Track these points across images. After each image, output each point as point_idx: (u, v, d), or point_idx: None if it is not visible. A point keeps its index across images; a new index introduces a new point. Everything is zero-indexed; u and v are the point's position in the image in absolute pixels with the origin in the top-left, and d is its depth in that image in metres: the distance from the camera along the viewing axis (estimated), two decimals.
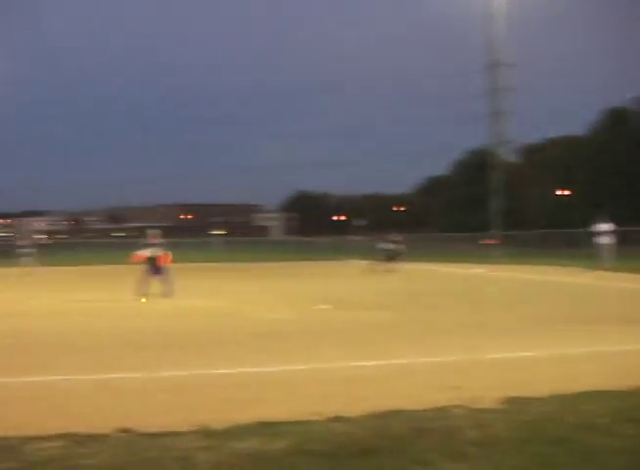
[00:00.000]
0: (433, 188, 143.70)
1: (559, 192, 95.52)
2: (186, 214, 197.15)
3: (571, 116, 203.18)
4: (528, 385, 9.26)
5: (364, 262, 38.99)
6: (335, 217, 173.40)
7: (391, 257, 37.93)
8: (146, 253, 23.48)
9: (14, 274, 34.90)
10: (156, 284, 22.94)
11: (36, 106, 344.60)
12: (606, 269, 35.56)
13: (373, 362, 11.14)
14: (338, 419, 7.51)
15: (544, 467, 6.00)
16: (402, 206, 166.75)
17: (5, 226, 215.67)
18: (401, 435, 6.90)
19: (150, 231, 24.55)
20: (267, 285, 29.49)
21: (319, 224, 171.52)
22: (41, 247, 43.89)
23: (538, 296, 23.82)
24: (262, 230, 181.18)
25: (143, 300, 21.82)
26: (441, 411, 7.86)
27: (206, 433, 7.04)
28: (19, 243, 40.79)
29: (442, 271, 38.63)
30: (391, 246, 38.78)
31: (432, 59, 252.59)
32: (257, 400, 8.58)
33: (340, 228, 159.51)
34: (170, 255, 23.80)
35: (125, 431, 7.14)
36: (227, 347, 13.12)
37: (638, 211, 74.02)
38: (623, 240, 42.04)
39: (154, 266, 23.24)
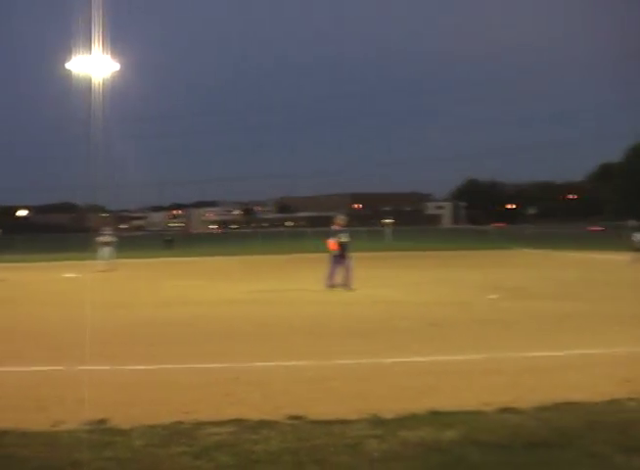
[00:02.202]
0: (606, 175, 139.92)
1: None
2: (357, 204, 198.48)
3: None
4: None
5: (535, 251, 38.07)
6: (506, 206, 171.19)
7: None
8: (338, 239, 23.16)
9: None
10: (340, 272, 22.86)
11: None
12: None
13: (545, 353, 10.98)
14: (508, 410, 7.47)
15: None
16: (575, 194, 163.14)
17: (177, 217, 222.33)
18: (573, 427, 6.79)
19: (339, 217, 24.25)
20: (439, 274, 29.31)
21: (490, 213, 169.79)
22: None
23: None
24: (433, 219, 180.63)
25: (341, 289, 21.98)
26: (615, 404, 7.70)
27: (377, 421, 7.11)
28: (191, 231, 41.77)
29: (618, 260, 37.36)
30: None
31: None
32: (429, 390, 8.61)
33: (511, 216, 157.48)
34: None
35: (296, 418, 7.29)
36: (399, 336, 13.16)
37: None
38: None
39: (342, 254, 22.96)
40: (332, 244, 23.06)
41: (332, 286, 22.38)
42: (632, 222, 37.53)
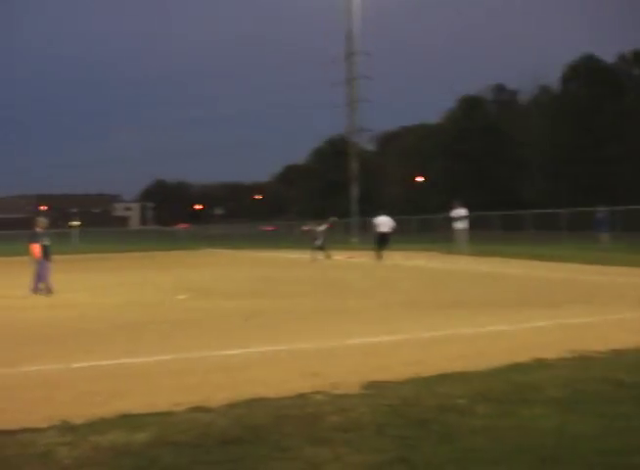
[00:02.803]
0: (291, 176, 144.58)
1: (419, 179, 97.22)
2: (43, 206, 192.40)
3: (428, 105, 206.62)
4: (389, 369, 9.37)
5: (220, 251, 38.73)
6: (194, 207, 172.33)
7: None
8: (41, 242, 22.18)
9: None
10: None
11: None
12: (462, 254, 36.50)
13: (234, 351, 11.08)
14: (199, 409, 7.47)
15: (405, 449, 6.09)
16: (261, 194, 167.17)
17: None
18: (263, 423, 6.90)
19: (40, 219, 23.14)
20: (125, 277, 29.10)
21: (178, 214, 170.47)
22: None
23: (398, 281, 24.18)
24: (121, 220, 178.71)
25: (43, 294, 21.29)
26: (302, 398, 7.90)
27: (67, 428, 6.89)
28: None
29: (295, 258, 38.73)
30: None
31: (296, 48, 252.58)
32: (119, 393, 8.43)
33: (198, 217, 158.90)
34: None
35: None
36: (87, 339, 12.84)
37: (492, 197, 76.15)
38: (478, 225, 43.23)
39: (44, 257, 22.07)
40: (35, 248, 22.14)
41: (36, 290, 21.60)
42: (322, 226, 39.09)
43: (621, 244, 37.34)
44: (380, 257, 35.11)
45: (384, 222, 37.52)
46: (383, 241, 36.60)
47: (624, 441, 6.19)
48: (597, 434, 6.38)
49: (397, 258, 34.61)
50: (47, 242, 22.42)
